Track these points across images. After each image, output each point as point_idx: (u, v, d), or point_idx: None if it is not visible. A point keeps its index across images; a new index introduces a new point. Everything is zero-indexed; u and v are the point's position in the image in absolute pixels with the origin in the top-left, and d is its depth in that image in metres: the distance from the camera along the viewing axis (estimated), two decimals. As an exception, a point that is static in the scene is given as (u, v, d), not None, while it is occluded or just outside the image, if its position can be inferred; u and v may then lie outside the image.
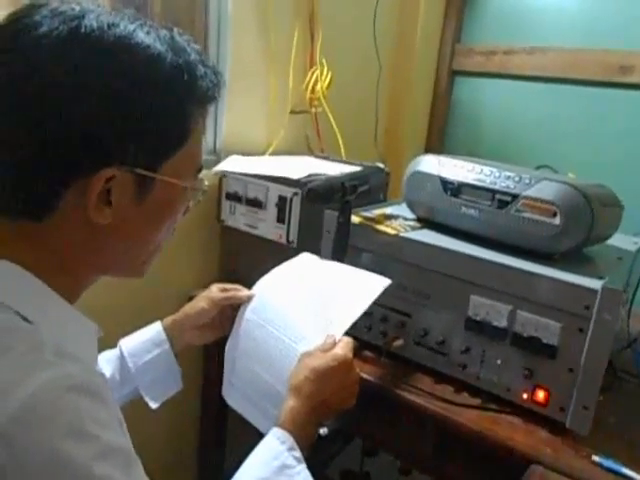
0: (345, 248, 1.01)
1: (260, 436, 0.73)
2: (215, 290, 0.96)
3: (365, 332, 1.05)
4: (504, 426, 0.87)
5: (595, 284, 0.82)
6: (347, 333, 0.84)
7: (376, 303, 0.96)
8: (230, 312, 0.95)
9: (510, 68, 1.86)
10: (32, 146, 0.52)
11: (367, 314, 1.03)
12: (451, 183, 1.01)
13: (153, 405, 0.90)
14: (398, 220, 1.10)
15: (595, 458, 0.81)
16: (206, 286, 0.98)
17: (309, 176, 1.18)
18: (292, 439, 0.71)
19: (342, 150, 1.56)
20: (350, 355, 0.80)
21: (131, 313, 1.06)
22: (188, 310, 0.95)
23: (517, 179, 0.93)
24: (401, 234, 1.01)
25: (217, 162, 1.33)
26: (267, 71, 1.44)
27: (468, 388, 0.95)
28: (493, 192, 0.95)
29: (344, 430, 1.02)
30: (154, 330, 0.92)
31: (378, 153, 1.76)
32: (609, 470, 0.79)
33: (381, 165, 1.20)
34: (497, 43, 1.88)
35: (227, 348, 0.94)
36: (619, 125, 1.69)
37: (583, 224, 0.89)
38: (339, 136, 1.56)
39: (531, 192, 0.91)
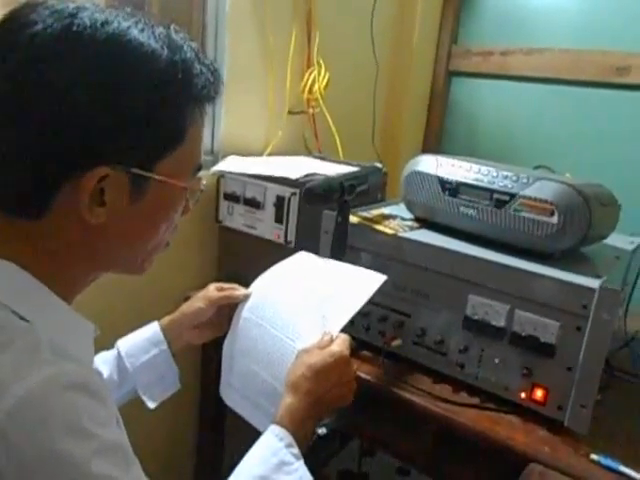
0: (343, 248, 1.01)
1: (259, 435, 0.72)
2: (212, 289, 0.96)
3: (364, 332, 1.05)
4: (502, 425, 0.87)
5: (593, 283, 0.83)
6: (345, 332, 0.84)
7: (374, 303, 0.97)
8: (227, 311, 0.95)
9: (507, 69, 1.87)
10: (24, 144, 0.52)
11: (365, 314, 1.03)
12: (449, 183, 1.01)
13: (151, 405, 0.90)
14: (396, 220, 1.10)
15: (593, 456, 0.81)
16: (204, 287, 0.98)
17: (307, 176, 1.18)
18: (290, 436, 0.71)
19: (340, 150, 1.56)
20: (347, 352, 0.80)
21: (129, 313, 1.06)
22: (185, 310, 0.94)
23: (515, 179, 0.94)
24: (399, 234, 1.01)
25: (215, 162, 1.33)
26: (265, 72, 1.44)
27: (466, 387, 0.95)
28: (491, 192, 0.95)
29: (342, 430, 1.02)
30: (151, 330, 0.92)
31: (376, 153, 1.76)
32: (607, 468, 0.79)
33: (379, 165, 1.20)
34: (494, 44, 1.89)
35: (224, 347, 0.94)
36: (616, 125, 1.69)
37: (581, 223, 0.89)
38: (337, 136, 1.56)
39: (529, 192, 0.91)
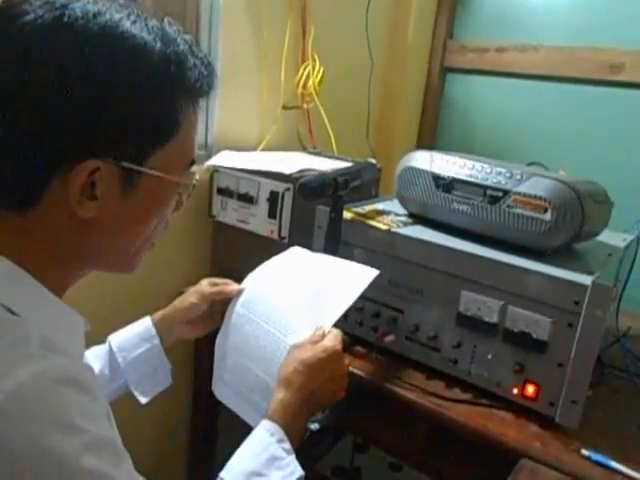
0: (337, 244, 1.01)
1: (251, 430, 0.72)
2: (205, 284, 0.96)
3: (357, 328, 1.05)
4: (494, 421, 0.88)
5: (585, 280, 0.83)
6: (338, 328, 0.84)
7: (367, 298, 0.97)
8: (220, 306, 0.95)
9: (502, 65, 1.87)
10: (12, 136, 0.51)
11: (358, 309, 1.03)
12: (443, 179, 1.01)
13: (143, 400, 0.90)
14: (390, 216, 1.10)
15: (584, 452, 0.81)
16: (197, 282, 0.97)
17: (301, 171, 1.17)
18: (281, 431, 0.71)
19: (334, 146, 1.56)
20: (339, 347, 0.80)
21: (122, 309, 1.05)
22: (178, 305, 0.94)
23: (508, 175, 0.94)
24: (393, 230, 1.01)
25: (208, 157, 1.32)
26: (259, 66, 1.43)
27: (459, 383, 0.96)
28: (484, 188, 0.95)
29: (335, 426, 1.03)
30: (143, 325, 0.92)
31: (370, 149, 1.76)
32: (598, 463, 0.80)
33: (373, 161, 1.20)
34: (489, 40, 1.89)
35: (217, 343, 0.93)
36: (609, 123, 1.70)
37: (574, 220, 0.89)
38: (331, 132, 1.56)
39: (522, 188, 0.91)
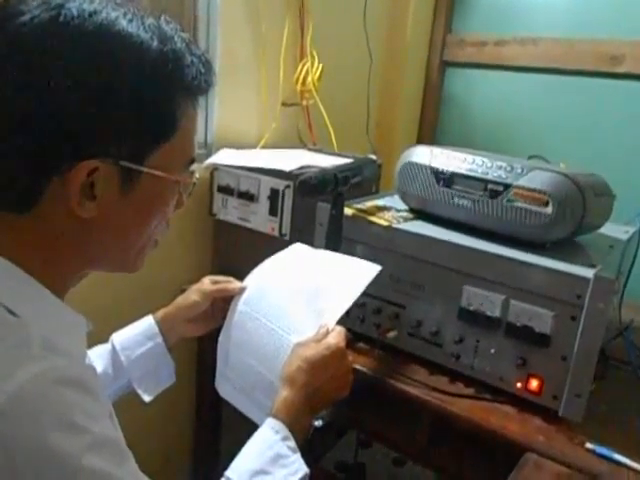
0: (338, 240, 1.01)
1: (255, 428, 0.72)
2: (207, 282, 0.95)
3: (359, 324, 1.05)
4: (498, 415, 0.88)
5: (587, 273, 0.83)
6: (340, 324, 0.83)
7: (369, 294, 0.97)
8: (222, 304, 0.95)
9: (501, 59, 1.86)
10: (10, 137, 0.51)
11: (360, 306, 1.03)
12: (443, 174, 1.01)
13: (146, 398, 0.90)
14: (391, 211, 1.10)
15: (588, 445, 0.81)
16: (199, 280, 0.97)
17: (301, 168, 1.17)
18: (286, 429, 0.71)
19: (334, 142, 1.56)
20: (343, 344, 0.80)
21: (124, 308, 1.05)
22: (180, 303, 0.94)
23: (509, 169, 0.93)
24: (394, 225, 1.01)
25: (208, 155, 1.32)
26: (258, 63, 1.43)
27: (462, 378, 0.95)
28: (485, 182, 0.95)
29: (338, 422, 1.03)
30: (146, 323, 0.92)
31: (370, 145, 1.76)
32: (602, 456, 0.80)
33: (373, 157, 1.20)
34: (488, 34, 1.88)
35: (219, 340, 0.93)
36: (610, 115, 1.69)
37: (575, 213, 0.89)
38: (331, 128, 1.56)
39: (523, 182, 0.91)
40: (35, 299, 0.55)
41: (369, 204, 1.14)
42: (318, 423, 0.86)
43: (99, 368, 0.87)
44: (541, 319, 0.86)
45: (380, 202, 1.17)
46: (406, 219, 1.06)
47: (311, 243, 1.04)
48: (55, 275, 0.58)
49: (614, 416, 0.90)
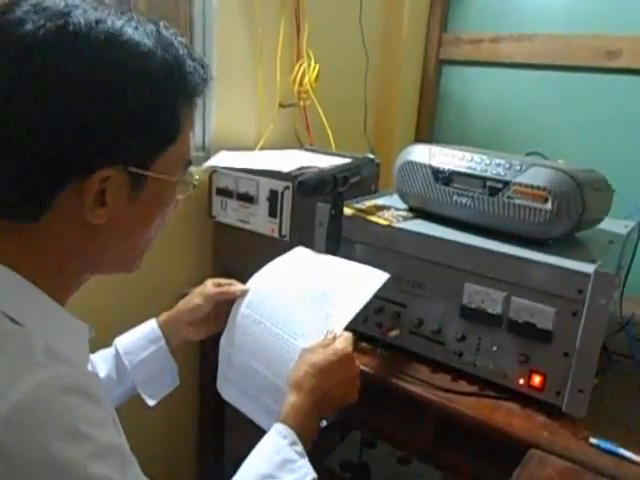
0: (338, 240, 1.01)
1: (259, 430, 0.72)
2: (209, 285, 0.96)
3: (361, 324, 1.05)
4: (502, 412, 0.88)
5: (588, 268, 0.83)
6: (347, 328, 0.83)
7: (370, 294, 0.96)
8: (225, 307, 0.95)
9: (497, 56, 1.86)
10: (25, 147, 0.51)
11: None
12: (442, 172, 1.01)
13: (150, 402, 0.90)
14: (390, 211, 1.10)
15: (592, 440, 0.81)
16: (200, 283, 0.97)
17: (300, 169, 1.17)
18: (294, 434, 0.71)
19: (332, 142, 1.56)
20: (350, 349, 0.80)
21: (125, 312, 1.05)
22: (182, 306, 0.94)
23: (508, 166, 0.93)
24: (394, 224, 1.01)
25: (207, 158, 1.32)
26: (254, 65, 1.43)
27: (465, 376, 0.96)
28: (484, 180, 0.95)
29: (343, 422, 1.03)
30: (149, 327, 0.92)
31: (368, 144, 1.76)
32: (606, 451, 0.80)
33: (372, 156, 1.20)
34: (484, 31, 1.88)
35: (222, 343, 0.93)
36: (608, 109, 1.69)
37: (574, 209, 0.89)
38: (328, 128, 1.56)
39: (522, 178, 0.91)
40: (37, 307, 0.55)
41: (368, 204, 1.14)
42: (322, 423, 0.86)
43: (103, 372, 0.87)
44: (543, 315, 0.86)
45: (379, 201, 1.17)
46: (406, 218, 1.06)
47: (311, 243, 1.04)
48: (57, 282, 0.58)
49: (617, 410, 0.91)
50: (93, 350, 0.88)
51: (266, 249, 1.03)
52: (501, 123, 1.90)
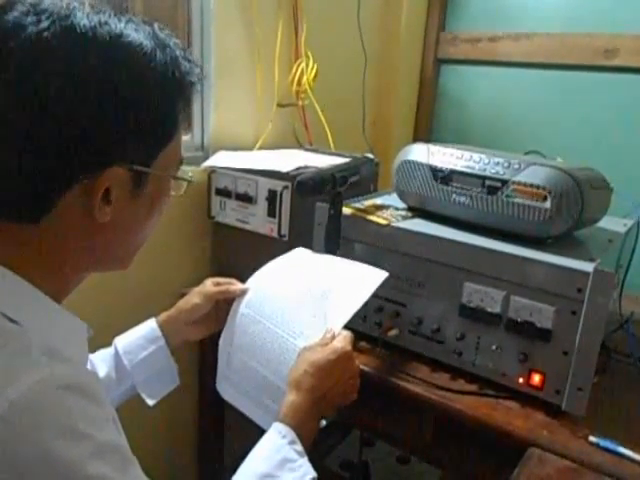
0: (337, 240, 1.01)
1: (259, 429, 0.72)
2: (209, 285, 0.96)
3: (360, 323, 1.05)
4: (501, 411, 0.88)
5: (587, 267, 0.83)
6: (346, 327, 0.83)
7: (370, 293, 0.96)
8: (225, 307, 0.95)
9: (495, 55, 1.86)
10: (33, 149, 0.51)
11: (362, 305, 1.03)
12: (441, 171, 1.01)
13: (150, 402, 0.90)
14: (389, 210, 1.10)
15: (592, 438, 0.81)
16: (199, 283, 0.97)
17: (298, 169, 1.17)
18: (293, 433, 0.71)
19: (330, 142, 1.56)
20: (349, 348, 0.80)
21: (125, 311, 1.05)
22: (182, 306, 0.94)
23: (506, 165, 0.94)
24: (393, 224, 1.01)
25: (205, 158, 1.32)
26: (252, 65, 1.43)
27: (464, 375, 0.96)
28: (483, 178, 0.95)
29: (342, 421, 1.03)
30: (148, 327, 0.92)
31: (367, 144, 1.76)
32: (606, 450, 0.80)
33: (370, 156, 1.20)
34: (481, 30, 1.88)
35: (221, 342, 0.93)
36: (606, 108, 1.69)
37: (573, 207, 0.89)
38: (327, 128, 1.56)
39: (521, 177, 0.91)
40: (35, 306, 0.55)
41: (367, 203, 1.14)
42: (322, 423, 0.86)
43: (102, 372, 0.87)
44: (542, 314, 0.86)
45: (378, 201, 1.17)
46: (405, 217, 1.06)
47: (310, 243, 1.04)
48: (57, 280, 0.58)
49: (617, 409, 0.91)
50: (92, 350, 0.87)
51: (265, 249, 1.03)
52: (499, 122, 1.90)
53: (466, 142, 1.22)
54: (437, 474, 1.54)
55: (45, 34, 0.50)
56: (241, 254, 1.31)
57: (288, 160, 1.23)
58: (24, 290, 0.55)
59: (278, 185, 1.19)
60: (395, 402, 0.97)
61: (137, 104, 0.54)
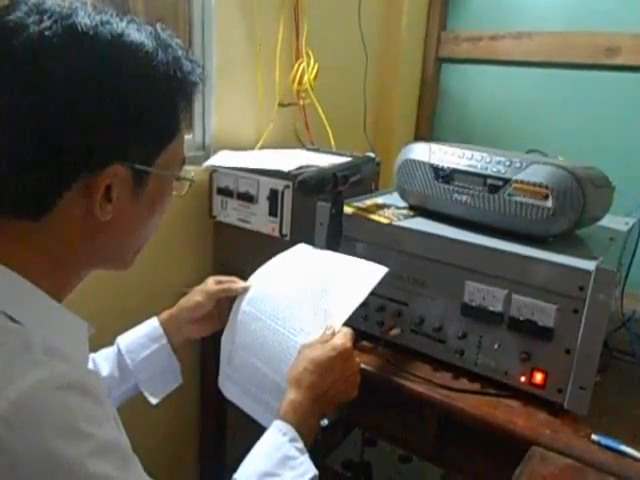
0: (339, 239, 1.01)
1: (261, 428, 0.73)
2: (211, 283, 0.96)
3: (362, 322, 1.05)
4: (503, 410, 0.88)
5: (589, 265, 0.83)
6: (344, 323, 0.83)
7: (372, 292, 0.96)
8: (227, 305, 0.95)
9: (497, 54, 1.86)
10: (34, 147, 0.52)
11: (363, 304, 1.02)
12: (442, 170, 1.01)
13: (153, 401, 0.90)
14: (390, 209, 1.10)
15: (594, 437, 0.81)
16: (200, 282, 0.97)
17: (300, 168, 1.17)
18: (294, 430, 0.71)
19: (332, 141, 1.56)
20: (349, 345, 0.80)
21: (127, 310, 1.05)
22: (184, 304, 0.94)
23: (508, 163, 0.93)
24: (394, 223, 1.01)
25: (207, 157, 1.32)
26: (254, 65, 1.43)
27: (466, 374, 0.96)
28: (484, 177, 0.95)
29: (344, 420, 1.03)
30: (150, 326, 0.92)
31: (368, 143, 1.76)
32: (608, 448, 0.80)
33: (372, 155, 1.20)
34: (483, 29, 1.88)
35: (223, 340, 0.93)
36: (607, 107, 1.69)
37: (575, 206, 0.89)
38: (328, 127, 1.56)
39: (522, 176, 0.91)
40: (36, 305, 0.55)
41: (369, 202, 1.14)
42: (323, 422, 0.86)
43: (105, 371, 0.87)
44: (544, 313, 0.86)
45: (380, 200, 1.17)
46: (406, 216, 1.06)
47: (312, 242, 1.04)
48: (57, 279, 0.58)
49: (619, 407, 0.91)
50: (94, 349, 0.88)
51: (266, 248, 1.03)
52: (501, 121, 1.90)
53: (467, 141, 1.22)
54: (439, 473, 1.54)
55: (47, 33, 0.50)
56: (242, 253, 1.31)
57: (289, 159, 1.23)
58: (24, 288, 0.55)
59: (279, 184, 1.19)
60: (397, 401, 0.97)
61: (138, 103, 0.55)
